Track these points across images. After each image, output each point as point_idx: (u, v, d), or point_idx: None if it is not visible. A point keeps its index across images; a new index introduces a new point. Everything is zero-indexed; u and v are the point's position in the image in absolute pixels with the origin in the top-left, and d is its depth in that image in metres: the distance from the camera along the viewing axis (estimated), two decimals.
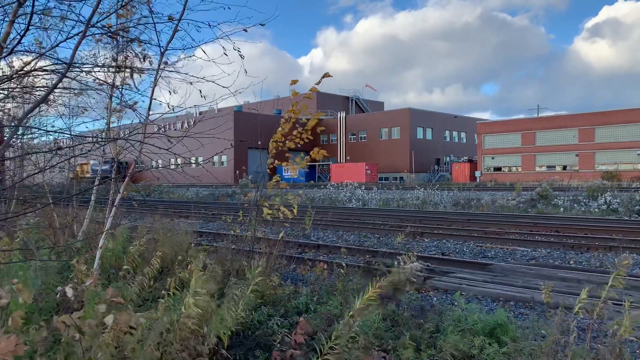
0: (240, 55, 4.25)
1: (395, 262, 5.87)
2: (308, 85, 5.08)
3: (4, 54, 2.87)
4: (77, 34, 3.09)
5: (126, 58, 5.13)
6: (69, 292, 2.69)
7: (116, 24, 4.34)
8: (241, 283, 4.26)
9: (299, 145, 5.27)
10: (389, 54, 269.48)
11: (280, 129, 5.11)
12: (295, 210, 5.24)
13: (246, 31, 4.12)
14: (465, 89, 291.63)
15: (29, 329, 2.94)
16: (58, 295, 2.75)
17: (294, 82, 5.19)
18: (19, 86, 4.72)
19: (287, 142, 5.15)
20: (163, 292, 4.14)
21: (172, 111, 4.59)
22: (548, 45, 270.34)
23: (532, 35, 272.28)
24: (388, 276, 5.65)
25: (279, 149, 5.17)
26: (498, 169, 57.95)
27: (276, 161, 5.38)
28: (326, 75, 4.72)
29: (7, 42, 2.88)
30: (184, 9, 4.29)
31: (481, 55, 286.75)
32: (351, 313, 3.10)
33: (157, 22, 4.22)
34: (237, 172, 59.76)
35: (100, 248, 5.19)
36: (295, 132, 5.13)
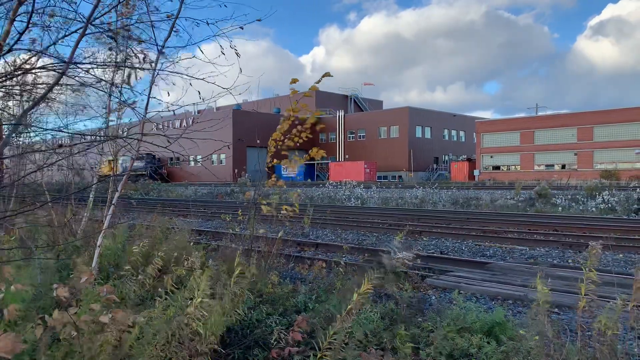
0: (237, 54, 4.23)
1: (390, 253, 5.90)
2: (309, 84, 5.06)
3: (3, 52, 2.86)
4: (76, 31, 3.08)
5: (126, 56, 5.12)
6: (63, 290, 2.69)
7: (116, 21, 4.33)
8: (239, 282, 4.27)
9: (298, 144, 5.26)
10: (392, 53, 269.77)
11: (279, 127, 5.09)
12: (297, 209, 5.24)
13: (242, 29, 4.11)
14: (468, 88, 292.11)
15: (27, 327, 2.94)
16: (55, 294, 2.74)
17: (294, 80, 5.15)
18: (18, 84, 4.71)
19: (286, 140, 5.13)
20: (160, 290, 4.14)
21: (170, 110, 4.57)
22: (552, 43, 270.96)
23: (536, 34, 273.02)
24: (380, 257, 5.66)
25: (278, 147, 5.16)
26: (497, 167, 57.97)
27: (275, 160, 5.37)
28: (326, 74, 4.71)
29: (7, 40, 2.88)
30: (180, 5, 4.27)
31: (484, 54, 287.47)
32: (350, 307, 3.10)
33: (155, 20, 4.20)
34: (236, 170, 59.79)
35: (99, 246, 5.19)
36: (294, 131, 5.11)
